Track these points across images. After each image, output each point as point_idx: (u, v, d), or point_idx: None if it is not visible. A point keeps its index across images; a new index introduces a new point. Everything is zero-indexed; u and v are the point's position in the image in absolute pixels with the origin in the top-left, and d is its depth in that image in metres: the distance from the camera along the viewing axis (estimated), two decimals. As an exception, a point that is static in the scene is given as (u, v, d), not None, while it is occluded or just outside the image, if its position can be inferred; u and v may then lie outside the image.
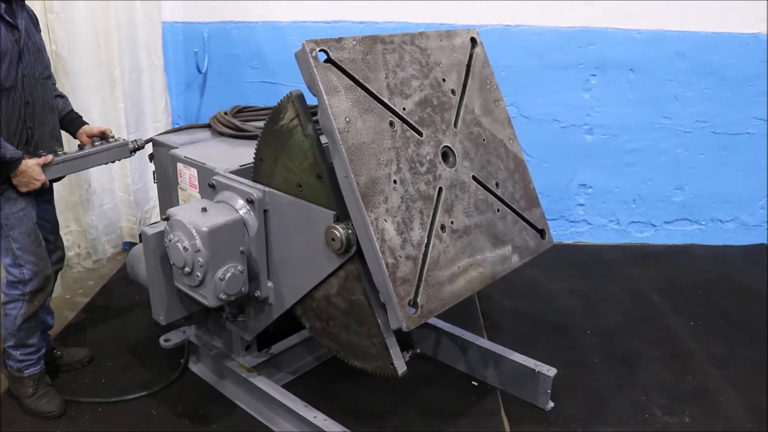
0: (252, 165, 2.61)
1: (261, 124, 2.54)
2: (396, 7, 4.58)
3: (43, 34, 2.97)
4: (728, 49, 4.61)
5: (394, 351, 2.35)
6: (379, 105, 2.32)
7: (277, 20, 4.69)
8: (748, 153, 4.85)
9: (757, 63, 4.63)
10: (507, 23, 4.61)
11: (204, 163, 2.74)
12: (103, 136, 3.06)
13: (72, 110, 3.11)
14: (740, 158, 4.88)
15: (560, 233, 5.07)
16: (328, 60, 2.23)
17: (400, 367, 2.35)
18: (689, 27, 4.58)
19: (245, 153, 2.73)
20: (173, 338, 3.17)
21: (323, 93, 2.17)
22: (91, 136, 3.04)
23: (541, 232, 2.80)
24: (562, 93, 4.74)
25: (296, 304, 2.62)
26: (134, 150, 3.14)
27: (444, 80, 2.60)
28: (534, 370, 3.01)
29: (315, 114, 2.26)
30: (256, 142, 2.56)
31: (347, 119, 2.19)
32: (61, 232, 3.23)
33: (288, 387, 2.98)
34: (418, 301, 2.18)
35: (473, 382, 3.24)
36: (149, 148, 3.17)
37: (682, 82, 4.70)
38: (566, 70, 4.69)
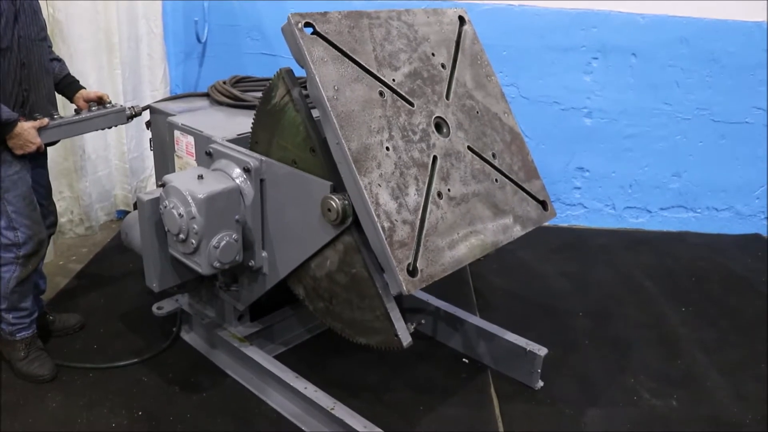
0: (249, 134, 2.60)
1: (259, 94, 2.52)
2: (400, -17, 4.54)
3: (40, -4, 2.93)
4: (731, 37, 4.58)
5: (398, 322, 2.33)
6: (368, 75, 2.31)
7: (278, -8, 4.65)
8: (747, 142, 4.85)
9: (759, 52, 4.61)
10: (510, 2, 4.57)
11: (201, 131, 2.72)
12: (101, 101, 3.04)
13: (69, 74, 3.08)
14: (738, 147, 4.87)
15: (556, 216, 5.06)
16: (315, 33, 2.22)
17: (405, 338, 2.32)
18: (693, 13, 4.56)
19: (243, 122, 2.71)
20: (166, 306, 3.18)
21: (311, 63, 2.16)
22: (88, 101, 3.01)
23: (543, 204, 2.77)
24: (562, 75, 4.72)
25: (299, 286, 2.61)
26: (132, 116, 3.11)
27: (433, 54, 2.58)
28: (525, 349, 3.03)
29: (306, 88, 2.25)
30: (254, 111, 2.54)
31: (336, 87, 2.19)
32: (54, 198, 3.22)
33: (280, 358, 2.99)
34: (417, 265, 2.16)
35: (464, 360, 3.26)
36: (146, 116, 3.15)
37: (684, 69, 4.68)
38: (568, 52, 4.66)
